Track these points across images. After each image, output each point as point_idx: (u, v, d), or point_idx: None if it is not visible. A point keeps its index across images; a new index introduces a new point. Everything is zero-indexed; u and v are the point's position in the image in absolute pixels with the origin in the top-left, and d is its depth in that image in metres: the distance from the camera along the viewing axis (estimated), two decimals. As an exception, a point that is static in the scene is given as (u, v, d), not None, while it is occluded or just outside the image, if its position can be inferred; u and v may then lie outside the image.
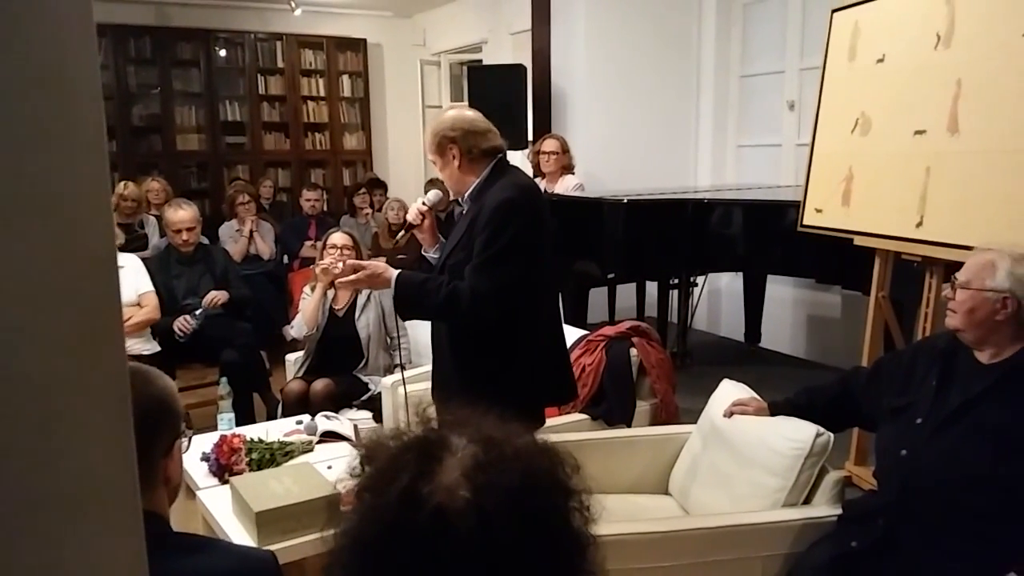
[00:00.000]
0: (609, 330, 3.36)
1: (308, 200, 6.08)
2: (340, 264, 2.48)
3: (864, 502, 2.14)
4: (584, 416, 3.08)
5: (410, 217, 2.41)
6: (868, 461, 3.01)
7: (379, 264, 2.32)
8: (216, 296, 3.96)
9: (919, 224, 2.74)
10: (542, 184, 4.97)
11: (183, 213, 4.03)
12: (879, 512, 2.01)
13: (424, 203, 2.40)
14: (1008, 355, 1.92)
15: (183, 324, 3.86)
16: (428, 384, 2.89)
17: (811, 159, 3.38)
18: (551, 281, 2.40)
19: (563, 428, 2.90)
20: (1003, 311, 1.89)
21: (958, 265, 2.12)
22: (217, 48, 7.99)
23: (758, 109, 5.65)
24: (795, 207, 3.50)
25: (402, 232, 2.45)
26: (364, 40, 8.57)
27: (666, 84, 5.77)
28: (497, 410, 2.33)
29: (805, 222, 3.37)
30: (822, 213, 3.27)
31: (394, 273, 2.25)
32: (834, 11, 3.29)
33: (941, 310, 2.26)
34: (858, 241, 3.04)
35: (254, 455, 2.77)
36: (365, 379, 3.59)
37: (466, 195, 2.30)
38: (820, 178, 3.31)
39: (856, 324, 3.48)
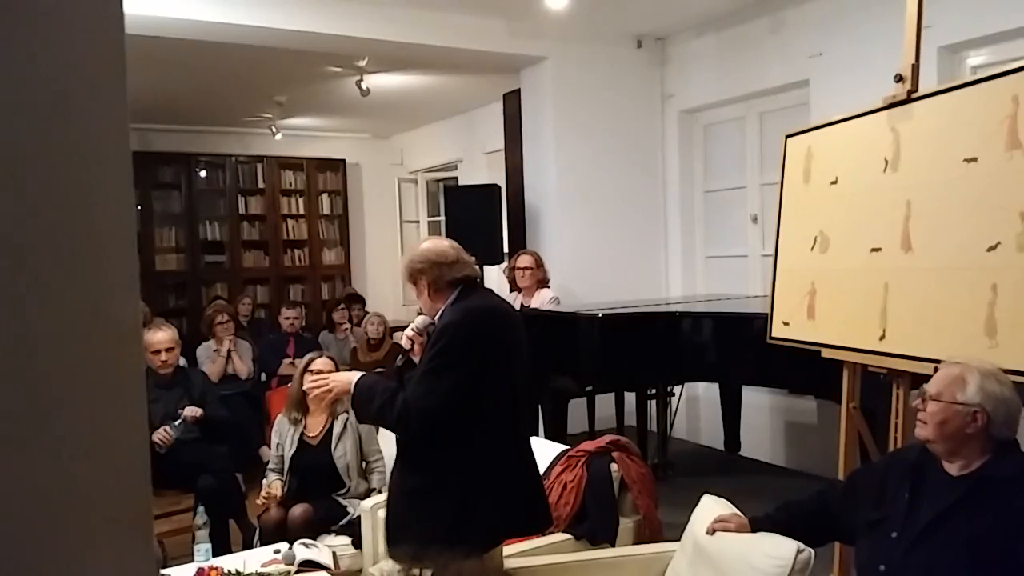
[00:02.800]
0: (589, 445, 3.37)
1: (287, 318, 6.13)
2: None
3: (848, 620, 2.14)
4: (567, 536, 3.05)
5: (403, 343, 2.56)
6: (851, 574, 2.99)
7: (339, 375, 2.52)
8: (194, 411, 3.92)
9: (882, 337, 2.84)
10: (518, 298, 5.08)
11: (162, 335, 4.04)
12: (863, 630, 2.01)
13: (413, 329, 2.51)
14: (976, 467, 1.97)
15: (164, 436, 3.79)
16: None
17: (775, 274, 3.52)
18: (513, 401, 2.43)
19: (546, 549, 2.88)
20: (973, 424, 1.95)
21: (923, 377, 2.20)
22: (198, 170, 8.20)
23: (723, 222, 5.87)
24: (764, 319, 3.60)
25: (399, 356, 2.58)
26: (343, 160, 8.86)
27: (635, 199, 6.00)
28: (439, 525, 2.30)
29: (773, 334, 3.46)
30: (789, 326, 3.37)
31: (355, 377, 2.43)
32: (787, 136, 3.49)
33: (911, 420, 2.33)
34: (825, 353, 3.13)
35: (231, 588, 2.72)
36: (344, 503, 3.54)
37: (435, 317, 2.45)
38: (785, 292, 3.44)
39: (833, 430, 3.52)
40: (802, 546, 2.19)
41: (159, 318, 4.75)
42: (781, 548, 2.21)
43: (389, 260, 9.14)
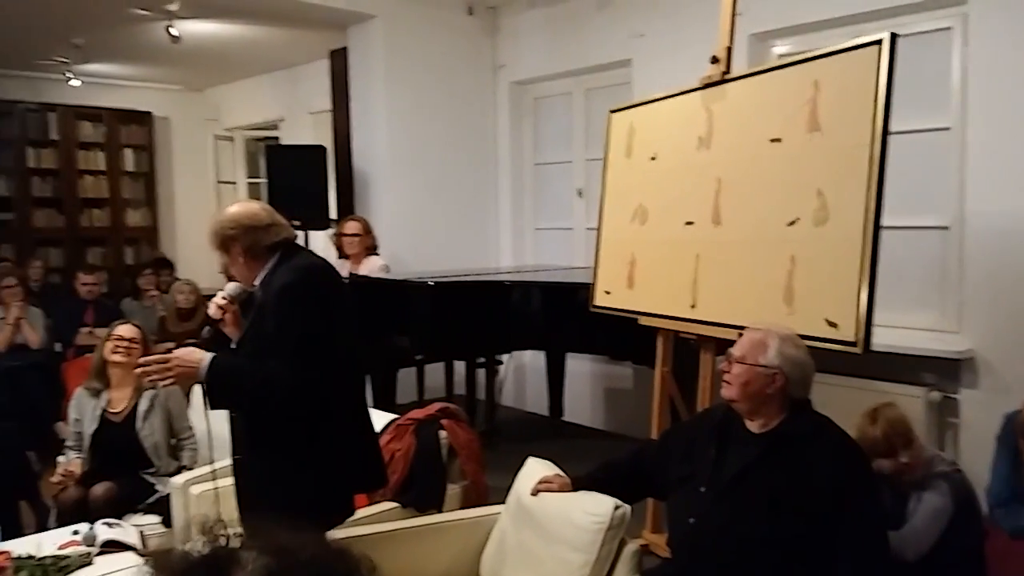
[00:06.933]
0: (418, 413, 3.36)
1: (85, 284, 5.60)
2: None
3: (660, 571, 2.28)
4: (394, 504, 3.03)
5: (211, 312, 2.33)
6: (663, 528, 3.20)
7: (186, 350, 2.16)
8: None
9: (693, 305, 3.03)
10: (347, 266, 4.94)
11: None
12: (674, 579, 2.14)
13: (224, 297, 2.33)
14: (774, 424, 2.14)
15: None
16: (225, 481, 2.74)
17: (598, 245, 3.65)
18: (351, 362, 2.36)
19: (373, 519, 2.83)
20: (773, 385, 2.11)
21: (729, 342, 2.36)
22: (-21, 117, 7.29)
23: (551, 195, 6.01)
24: (588, 288, 3.73)
25: (206, 328, 2.35)
26: (150, 113, 8.19)
27: (467, 169, 5.99)
28: (302, 500, 2.24)
29: (596, 303, 3.61)
30: (611, 295, 3.52)
31: (207, 358, 2.12)
32: (612, 112, 3.62)
33: (717, 382, 2.50)
34: (642, 321, 3.30)
35: (23, 573, 2.48)
36: (152, 480, 3.31)
37: (256, 283, 2.29)
38: (608, 262, 3.58)
39: (647, 395, 3.72)
40: (619, 503, 2.29)
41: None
42: (600, 505, 2.30)
43: (202, 223, 8.50)
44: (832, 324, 2.47)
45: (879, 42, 2.37)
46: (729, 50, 2.98)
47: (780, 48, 4.38)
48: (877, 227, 2.36)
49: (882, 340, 2.89)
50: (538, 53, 5.77)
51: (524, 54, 5.88)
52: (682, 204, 3.14)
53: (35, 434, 4.19)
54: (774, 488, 2.03)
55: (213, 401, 2.17)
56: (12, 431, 3.70)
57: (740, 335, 2.30)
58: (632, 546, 2.36)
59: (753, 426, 2.17)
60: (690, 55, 4.03)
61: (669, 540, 2.30)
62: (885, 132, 2.33)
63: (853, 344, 2.40)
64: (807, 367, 2.16)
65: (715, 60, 3.00)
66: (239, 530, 0.84)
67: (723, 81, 2.99)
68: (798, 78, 2.65)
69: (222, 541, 0.82)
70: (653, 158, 3.34)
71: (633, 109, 3.52)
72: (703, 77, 3.07)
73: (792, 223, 2.63)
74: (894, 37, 2.36)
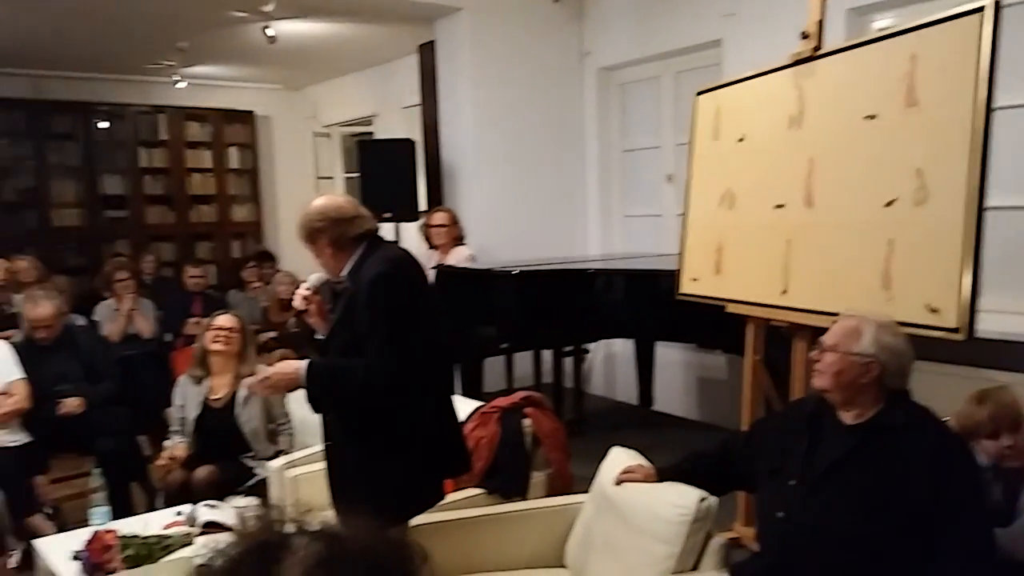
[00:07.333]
0: (502, 401, 3.37)
1: (192, 277, 5.90)
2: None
3: (748, 565, 2.21)
4: (479, 490, 3.06)
5: (296, 304, 2.40)
6: (755, 522, 3.10)
7: (281, 365, 2.28)
8: (71, 406, 3.76)
9: (784, 292, 2.92)
10: (435, 256, 5.02)
11: (41, 311, 3.80)
12: (761, 575, 2.07)
13: (307, 288, 2.39)
14: (869, 416, 2.03)
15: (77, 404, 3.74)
16: (319, 465, 2.83)
17: (685, 231, 3.56)
18: (437, 350, 2.40)
19: (458, 504, 2.87)
20: (867, 374, 2.00)
21: (823, 330, 2.26)
22: (96, 121, 7.76)
23: (640, 182, 5.91)
24: (673, 275, 3.65)
25: (291, 320, 2.43)
26: (252, 112, 8.52)
27: (553, 157, 5.97)
28: (393, 485, 2.28)
29: (682, 290, 3.52)
30: (697, 282, 3.43)
31: (303, 366, 2.22)
32: (698, 93, 3.52)
33: (811, 372, 2.40)
34: (730, 308, 3.20)
35: (129, 551, 2.63)
36: (251, 464, 3.46)
37: (343, 274, 2.34)
38: (694, 248, 3.49)
39: (741, 384, 3.62)
40: (705, 495, 2.24)
41: (39, 288, 4.38)
42: (685, 497, 2.25)
43: (303, 217, 8.86)
44: (933, 310, 2.33)
45: (981, 10, 2.20)
46: (820, 24, 2.85)
47: (880, 22, 4.15)
48: (981, 207, 2.20)
49: (992, 326, 2.71)
50: (625, 38, 5.68)
51: (611, 39, 5.79)
52: (772, 187, 3.02)
53: (146, 419, 4.43)
54: (868, 482, 1.93)
55: (314, 404, 2.28)
56: (125, 416, 3.93)
57: (834, 322, 2.19)
58: (718, 540, 2.30)
59: (847, 417, 2.07)
60: (784, 33, 3.85)
61: (757, 534, 2.23)
62: (989, 106, 2.16)
63: (956, 331, 2.26)
64: (905, 356, 2.04)
65: (805, 36, 2.87)
66: (294, 515, 0.85)
67: (814, 57, 2.85)
68: (894, 51, 2.50)
69: (276, 526, 0.84)
70: (741, 140, 3.23)
71: (720, 90, 3.41)
72: (793, 54, 2.94)
73: (889, 204, 2.49)
74: (998, 4, 2.19)
